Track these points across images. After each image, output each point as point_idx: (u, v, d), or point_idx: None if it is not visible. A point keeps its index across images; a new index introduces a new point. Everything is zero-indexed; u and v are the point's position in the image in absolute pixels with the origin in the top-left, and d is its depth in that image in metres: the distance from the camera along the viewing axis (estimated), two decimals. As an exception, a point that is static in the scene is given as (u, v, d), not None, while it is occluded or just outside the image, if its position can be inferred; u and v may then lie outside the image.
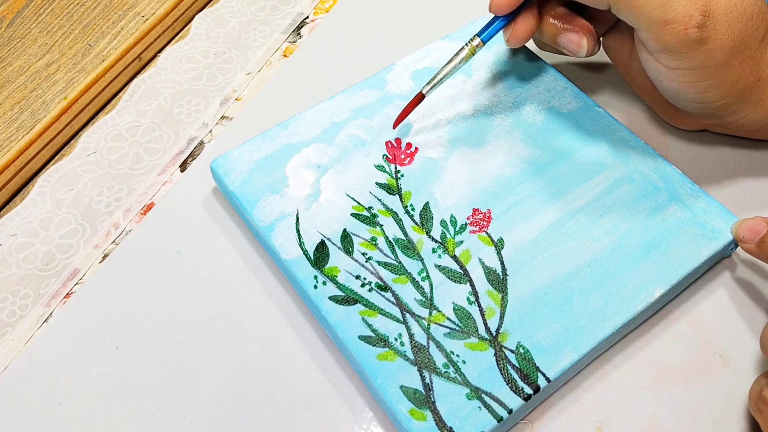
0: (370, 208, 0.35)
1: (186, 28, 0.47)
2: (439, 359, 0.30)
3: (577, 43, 0.35)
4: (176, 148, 0.41)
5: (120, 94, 0.44)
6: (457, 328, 0.31)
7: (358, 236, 0.34)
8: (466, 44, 0.35)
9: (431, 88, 0.35)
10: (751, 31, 0.32)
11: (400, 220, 0.35)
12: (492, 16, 0.35)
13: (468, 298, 0.32)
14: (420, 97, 0.35)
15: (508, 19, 0.34)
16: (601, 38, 0.38)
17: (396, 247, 0.34)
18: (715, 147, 0.38)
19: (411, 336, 0.31)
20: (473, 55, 0.35)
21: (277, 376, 0.32)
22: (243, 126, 0.41)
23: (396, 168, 0.36)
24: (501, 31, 0.35)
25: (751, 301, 0.33)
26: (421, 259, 0.33)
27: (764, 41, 0.33)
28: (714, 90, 0.33)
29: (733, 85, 0.33)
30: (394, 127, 0.36)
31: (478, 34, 0.35)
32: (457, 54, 0.35)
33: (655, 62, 0.33)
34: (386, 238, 0.34)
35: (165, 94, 0.44)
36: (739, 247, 0.34)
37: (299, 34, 0.47)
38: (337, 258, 0.33)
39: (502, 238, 0.34)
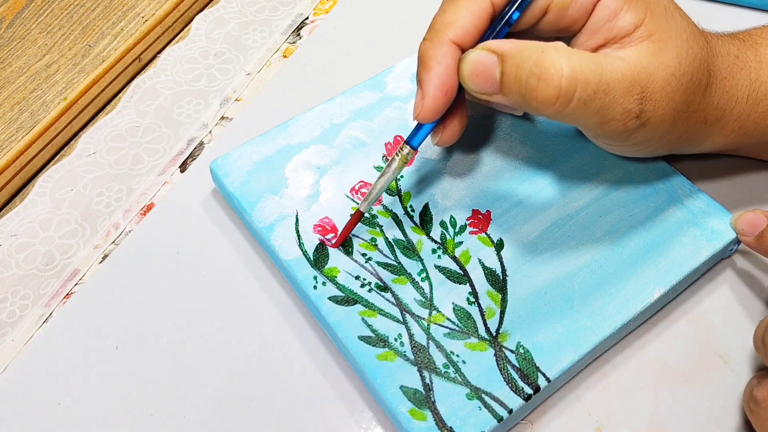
0: (369, 209, 0.35)
1: (186, 29, 0.47)
2: (439, 359, 0.30)
3: (511, 109, 0.33)
4: (176, 148, 0.41)
5: (120, 94, 0.44)
6: (457, 329, 0.31)
7: (358, 237, 0.34)
8: (397, 154, 0.32)
9: (368, 204, 0.33)
10: (693, 89, 0.30)
11: (400, 221, 0.35)
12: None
13: (468, 299, 0.32)
14: (359, 215, 0.33)
15: (436, 122, 0.32)
16: None
17: (396, 247, 0.34)
18: (714, 148, 0.39)
19: (411, 336, 0.31)
20: (405, 163, 0.32)
21: (277, 377, 0.32)
22: (243, 127, 0.42)
23: (396, 169, 0.37)
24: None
25: (751, 301, 0.33)
26: (421, 260, 0.33)
27: (708, 89, 0.31)
28: (660, 149, 0.32)
29: (679, 138, 0.32)
30: (336, 246, 0.34)
31: (407, 141, 0.32)
32: (389, 165, 0.32)
33: (595, 140, 0.33)
34: (386, 238, 0.34)
35: (165, 94, 0.44)
36: (739, 248, 0.34)
37: (299, 34, 0.47)
38: (336, 258, 0.33)
39: (501, 239, 0.34)
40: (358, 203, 0.35)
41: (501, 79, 0.28)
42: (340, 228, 0.34)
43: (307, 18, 0.48)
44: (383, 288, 0.32)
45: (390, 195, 0.36)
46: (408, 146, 0.32)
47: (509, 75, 0.28)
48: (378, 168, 0.37)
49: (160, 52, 0.47)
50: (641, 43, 0.29)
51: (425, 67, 0.30)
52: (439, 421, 0.29)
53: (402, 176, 0.36)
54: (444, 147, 0.35)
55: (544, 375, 0.30)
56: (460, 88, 0.30)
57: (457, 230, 0.34)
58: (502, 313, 0.31)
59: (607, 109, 0.28)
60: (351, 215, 0.33)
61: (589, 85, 0.27)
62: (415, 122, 0.32)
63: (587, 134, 0.32)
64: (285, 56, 0.46)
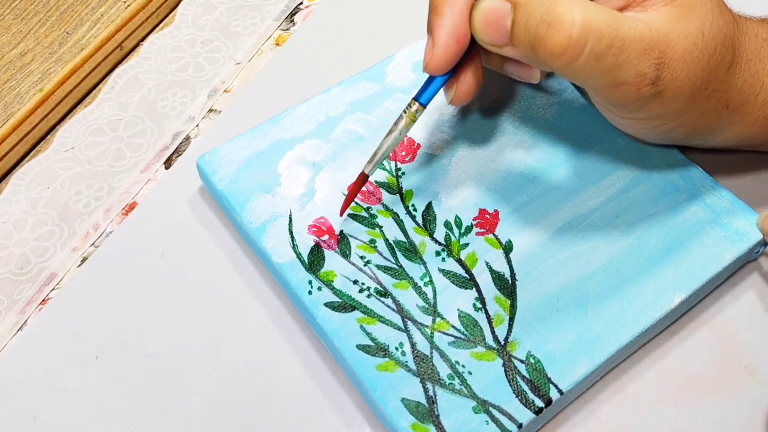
0: (368, 208, 0.35)
1: (171, 15, 0.47)
2: (444, 370, 0.30)
3: (527, 72, 0.33)
4: (160, 143, 0.41)
5: (100, 85, 0.44)
6: (463, 337, 0.31)
7: (356, 238, 0.34)
8: (404, 111, 0.32)
9: (374, 166, 0.33)
10: (715, 65, 0.30)
11: (401, 221, 0.35)
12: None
13: (474, 305, 0.32)
14: (363, 178, 0.33)
15: (448, 75, 0.32)
16: None
17: (397, 249, 0.34)
18: (738, 143, 0.38)
19: (413, 345, 0.31)
20: (414, 121, 0.32)
21: (269, 388, 0.32)
22: (232, 120, 0.41)
23: (396, 165, 0.37)
24: (442, 90, 0.33)
25: (777, 307, 0.33)
26: (424, 263, 0.33)
27: (732, 68, 0.31)
28: (675, 130, 0.32)
29: (697, 120, 0.32)
30: (341, 215, 0.34)
31: (416, 98, 0.32)
32: (396, 124, 0.32)
33: (605, 109, 0.33)
34: (386, 240, 0.34)
35: (148, 85, 0.44)
36: (765, 250, 0.34)
37: (293, 21, 0.47)
38: (333, 262, 0.33)
39: (510, 241, 0.34)
40: (355, 201, 0.35)
41: (511, 29, 0.29)
42: (336, 229, 0.34)
43: (301, 3, 0.47)
44: (383, 293, 0.32)
45: (390, 193, 0.35)
46: (417, 103, 0.32)
47: (520, 24, 0.28)
48: (377, 164, 0.36)
49: (143, 39, 0.46)
50: (664, 7, 0.29)
51: (436, 12, 0.30)
52: (444, 436, 0.29)
53: (403, 173, 0.36)
54: (455, 117, 0.35)
55: (556, 387, 0.30)
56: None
57: (462, 231, 0.34)
58: (511, 320, 0.31)
59: (620, 70, 0.28)
60: (356, 179, 0.33)
61: (602, 39, 0.27)
62: (426, 76, 0.32)
63: (596, 102, 0.32)
64: (277, 44, 0.45)
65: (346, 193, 0.35)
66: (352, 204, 0.35)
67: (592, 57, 0.28)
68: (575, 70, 0.28)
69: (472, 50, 0.31)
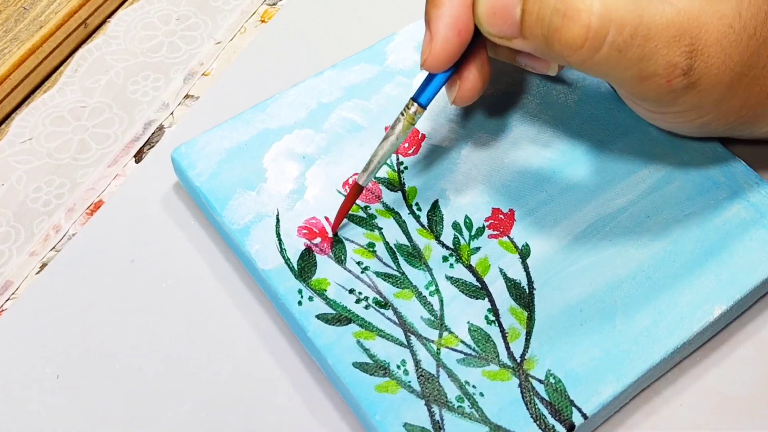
0: (366, 207, 0.35)
1: (142, -12, 0.47)
2: (452, 391, 0.30)
3: (543, 64, 0.33)
4: (130, 133, 0.41)
5: (61, 68, 0.44)
6: (474, 354, 0.31)
7: (352, 242, 0.34)
8: (402, 113, 0.32)
9: (369, 176, 0.33)
10: (756, 47, 0.30)
11: (404, 222, 0.35)
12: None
13: (486, 317, 0.32)
14: (357, 189, 0.33)
15: (450, 72, 0.32)
16: None
17: (398, 254, 0.34)
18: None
19: (417, 363, 0.31)
20: (413, 124, 0.32)
21: (254, 412, 0.32)
22: (211, 107, 0.41)
23: (398, 159, 0.37)
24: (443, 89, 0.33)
25: (831, 320, 0.34)
26: (429, 270, 0.33)
27: None
28: (715, 122, 0.32)
29: (738, 110, 0.32)
30: (333, 232, 0.34)
31: (415, 98, 0.32)
32: (392, 127, 0.32)
33: (633, 104, 0.33)
34: (386, 243, 0.34)
35: (116, 68, 0.44)
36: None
37: (280, -5, 0.47)
38: (326, 268, 0.33)
39: (527, 244, 0.34)
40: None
41: (521, 18, 0.29)
42: (330, 231, 0.34)
43: (290, -26, 0.48)
44: (383, 304, 0.32)
45: (392, 190, 0.36)
46: (416, 104, 0.32)
47: (531, 13, 0.28)
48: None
49: (110, 16, 0.46)
50: None
51: (434, 2, 0.30)
52: (452, 466, 0.29)
53: (406, 167, 0.36)
54: (463, 107, 0.35)
55: (579, 410, 0.30)
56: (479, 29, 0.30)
57: (473, 233, 0.34)
58: (529, 334, 0.31)
59: (647, 61, 0.28)
60: (349, 192, 0.33)
61: (625, 28, 0.27)
62: (425, 74, 0.32)
63: (623, 96, 0.33)
64: (263, 21, 0.46)
65: (341, 190, 0.35)
66: (348, 202, 0.35)
67: (614, 49, 0.28)
68: (596, 65, 0.28)
69: (477, 43, 0.31)
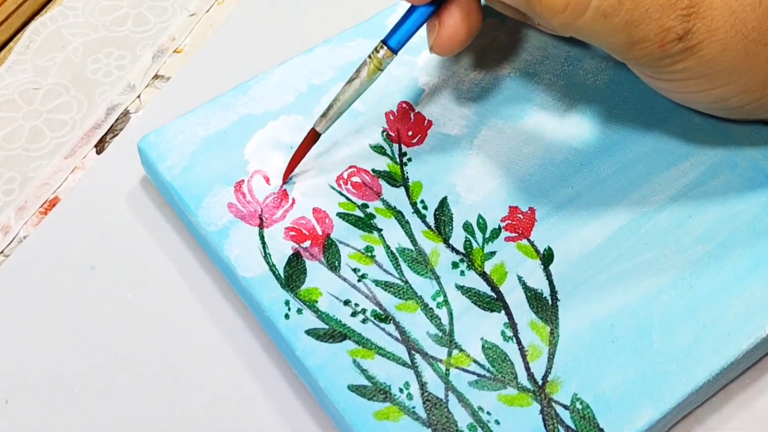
0: (364, 205, 0.35)
1: (104, -48, 0.47)
2: (463, 418, 0.30)
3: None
4: (90, 120, 0.41)
5: (11, 43, 0.44)
6: (488, 375, 0.31)
7: (348, 245, 0.34)
8: (369, 56, 0.33)
9: (327, 122, 0.34)
10: None
11: (407, 222, 0.35)
12: (403, 6, 0.33)
13: (503, 333, 0.32)
14: (314, 135, 0.34)
15: (430, 10, 0.32)
16: None
17: (401, 260, 0.34)
18: None
19: (423, 385, 0.31)
20: (381, 70, 0.33)
21: (234, 443, 0.32)
22: (185, 89, 0.42)
23: (401, 149, 0.37)
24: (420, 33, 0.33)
25: None
26: (437, 278, 0.33)
27: None
28: (736, 97, 0.33)
29: (763, 85, 0.32)
30: (284, 181, 0.35)
31: (385, 40, 0.32)
32: (357, 71, 0.33)
33: (635, 71, 0.34)
34: (387, 247, 0.34)
35: (74, 43, 0.44)
36: None
37: (264, -40, 0.47)
38: (317, 276, 0.33)
39: (550, 248, 0.34)
40: (346, 196, 0.35)
41: None
42: (321, 232, 0.34)
43: (275, -64, 0.47)
44: (383, 317, 0.32)
45: (393, 185, 0.35)
46: (385, 47, 0.32)
47: None
48: (375, 148, 0.36)
49: (67, -17, 0.46)
50: None
51: None
52: (463, 506, 0.29)
53: (410, 159, 0.36)
54: (444, 57, 0.35)
55: (610, 441, 0.30)
56: None
57: (487, 236, 0.34)
58: (552, 353, 0.31)
59: (637, 26, 0.29)
60: (304, 137, 0.34)
61: None
62: (403, 12, 0.33)
63: (618, 57, 0.33)
64: (244, -10, 0.45)
65: (334, 185, 0.35)
66: (342, 200, 0.35)
67: (599, 14, 0.29)
68: (580, 29, 0.29)
69: None
